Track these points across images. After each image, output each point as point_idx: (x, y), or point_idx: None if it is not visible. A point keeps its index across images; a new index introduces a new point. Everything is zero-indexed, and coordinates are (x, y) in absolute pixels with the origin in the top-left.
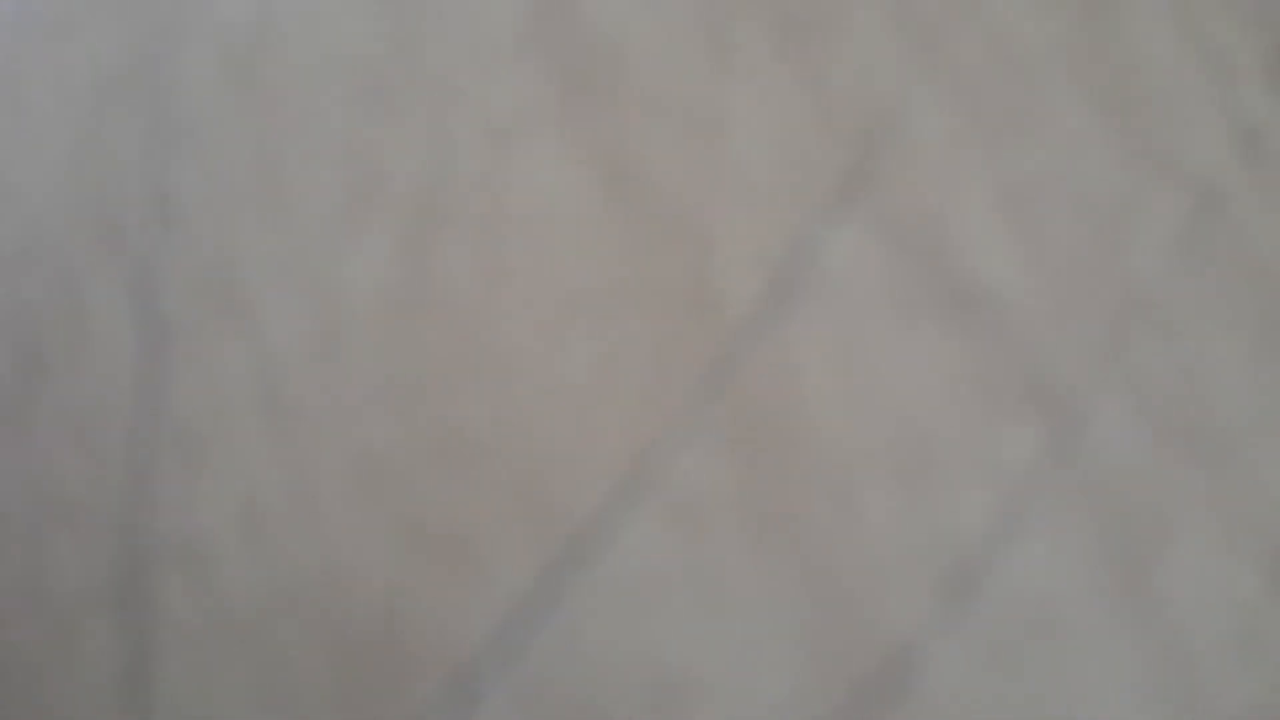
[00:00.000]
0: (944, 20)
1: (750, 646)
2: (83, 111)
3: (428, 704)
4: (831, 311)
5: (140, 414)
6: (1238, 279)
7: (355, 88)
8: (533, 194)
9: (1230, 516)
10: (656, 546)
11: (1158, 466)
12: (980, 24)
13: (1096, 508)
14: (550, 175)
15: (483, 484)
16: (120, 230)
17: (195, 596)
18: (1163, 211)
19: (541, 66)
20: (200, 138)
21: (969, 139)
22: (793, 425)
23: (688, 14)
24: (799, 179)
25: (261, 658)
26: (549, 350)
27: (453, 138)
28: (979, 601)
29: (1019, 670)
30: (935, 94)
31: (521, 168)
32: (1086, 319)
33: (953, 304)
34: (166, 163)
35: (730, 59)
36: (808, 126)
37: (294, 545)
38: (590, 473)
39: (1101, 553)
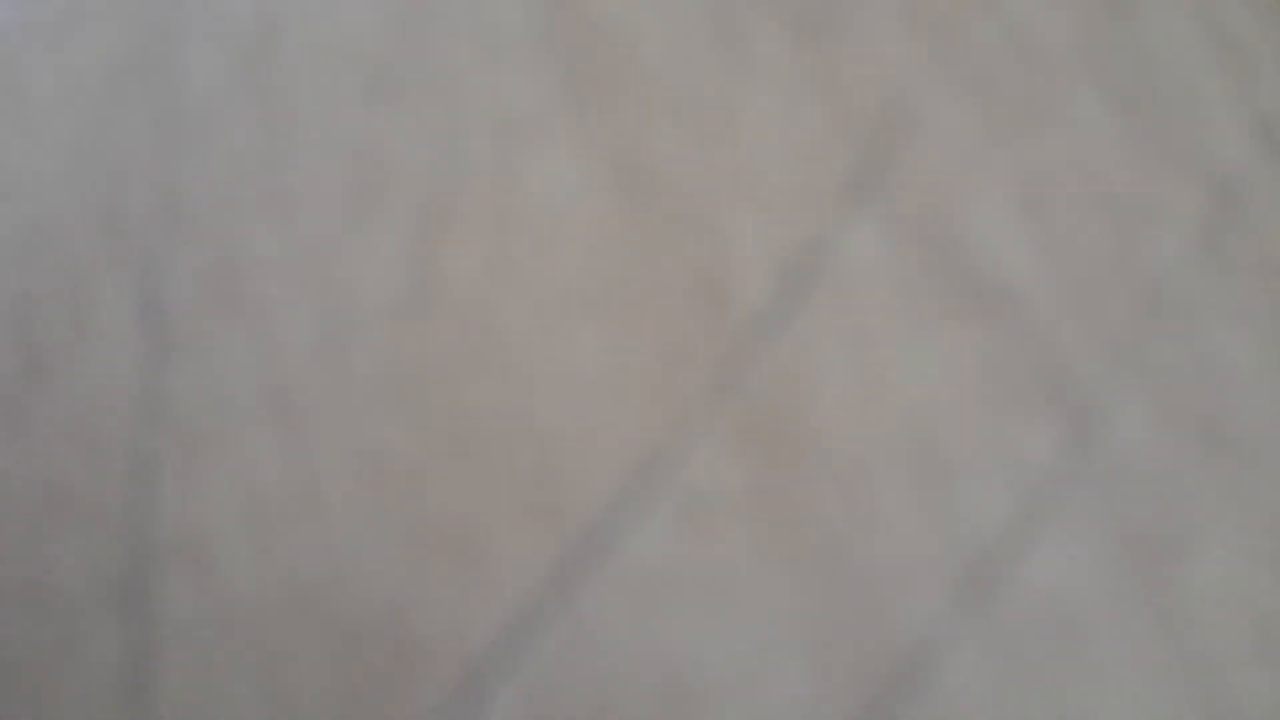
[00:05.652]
0: (960, 14)
1: (761, 647)
2: (88, 106)
3: (435, 704)
4: (845, 308)
5: (143, 410)
6: (1258, 274)
7: (363, 83)
8: (542, 191)
9: (1251, 517)
10: (666, 546)
11: (1177, 466)
12: (997, 18)
13: (1115, 507)
14: (560, 172)
15: (491, 482)
16: (125, 225)
17: (199, 595)
18: (1181, 206)
19: (552, 62)
20: (207, 133)
21: (985, 134)
22: (805, 423)
23: (700, 9)
24: (812, 175)
25: (266, 657)
26: (558, 348)
27: (462, 134)
28: (996, 603)
29: (1036, 672)
30: (951, 89)
31: (531, 164)
32: (1105, 315)
33: (969, 300)
34: (172, 158)
35: (743, 54)
36: (821, 122)
37: (299, 544)
38: (599, 471)
39: (1120, 553)
